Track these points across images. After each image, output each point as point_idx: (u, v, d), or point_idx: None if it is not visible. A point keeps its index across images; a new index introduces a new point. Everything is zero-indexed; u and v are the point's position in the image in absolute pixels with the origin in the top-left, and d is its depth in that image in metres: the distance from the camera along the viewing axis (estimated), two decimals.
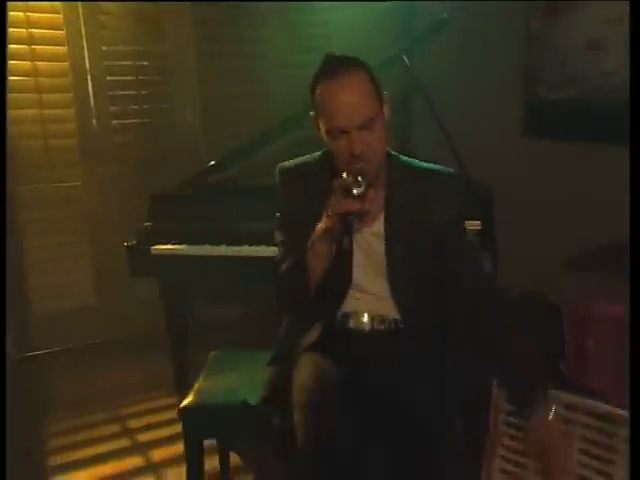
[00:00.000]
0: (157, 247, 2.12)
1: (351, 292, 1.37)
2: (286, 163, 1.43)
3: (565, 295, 1.96)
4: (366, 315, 1.37)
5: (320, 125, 1.26)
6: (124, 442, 2.15)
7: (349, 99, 1.20)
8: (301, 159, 1.42)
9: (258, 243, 2.09)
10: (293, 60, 3.05)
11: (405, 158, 1.39)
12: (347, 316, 1.38)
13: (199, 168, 2.41)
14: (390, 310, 1.36)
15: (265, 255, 2.05)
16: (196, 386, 1.54)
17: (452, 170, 1.41)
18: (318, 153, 1.40)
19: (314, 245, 1.24)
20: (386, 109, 1.27)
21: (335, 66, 1.23)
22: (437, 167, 1.39)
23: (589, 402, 1.62)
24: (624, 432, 1.55)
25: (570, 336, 1.83)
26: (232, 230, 2.15)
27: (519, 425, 1.73)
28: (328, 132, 1.23)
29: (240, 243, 2.11)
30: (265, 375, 1.42)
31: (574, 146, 2.30)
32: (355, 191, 1.17)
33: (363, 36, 2.92)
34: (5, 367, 1.58)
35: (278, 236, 1.41)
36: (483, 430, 1.74)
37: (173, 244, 2.13)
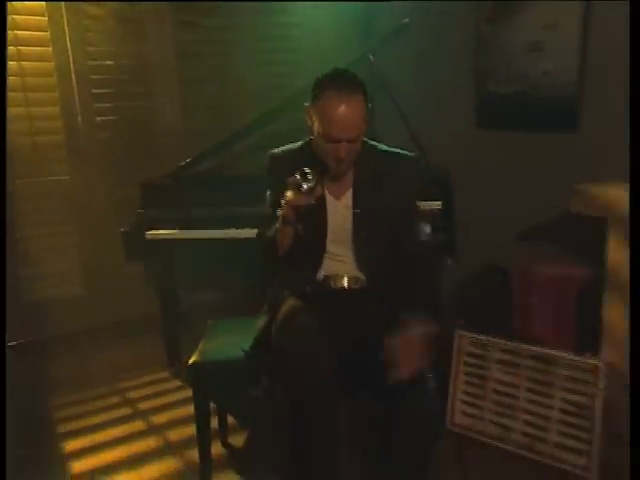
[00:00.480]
0: (151, 232, 2.32)
1: (328, 257, 1.62)
2: (275, 150, 1.67)
3: (515, 262, 2.27)
4: (345, 277, 1.63)
5: (315, 123, 1.48)
6: (125, 410, 2.34)
7: (347, 118, 1.41)
8: (288, 146, 1.66)
9: (243, 226, 2.32)
10: (267, 59, 3.27)
11: (372, 142, 1.64)
12: (329, 278, 1.63)
13: (180, 161, 2.61)
14: (360, 272, 1.62)
15: (249, 237, 2.29)
16: (199, 347, 1.77)
17: (410, 153, 1.66)
18: (301, 142, 1.64)
19: (280, 226, 1.51)
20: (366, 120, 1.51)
21: (344, 83, 1.42)
22: (398, 150, 1.64)
23: (532, 348, 1.92)
24: (560, 371, 1.86)
25: (517, 295, 2.14)
26: (218, 214, 2.37)
27: (478, 373, 2.03)
28: (322, 135, 1.46)
29: (226, 226, 2.33)
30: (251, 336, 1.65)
31: (519, 134, 2.60)
32: (305, 186, 1.42)
33: (331, 37, 3.17)
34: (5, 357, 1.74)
35: (266, 210, 1.66)
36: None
37: (165, 229, 2.34)
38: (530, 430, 1.90)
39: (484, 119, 2.81)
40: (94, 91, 2.98)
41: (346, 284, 1.63)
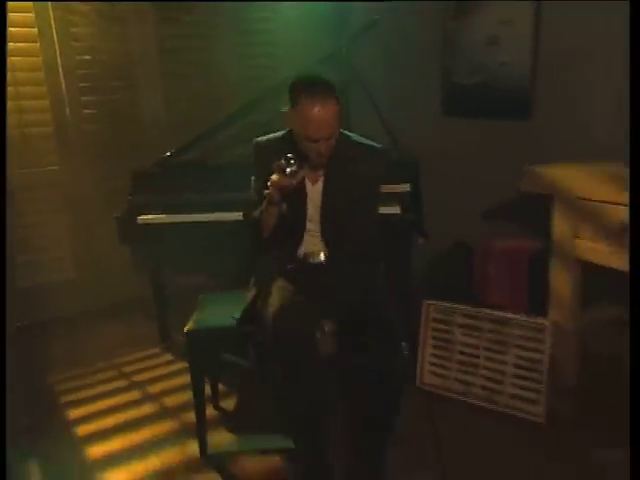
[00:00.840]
0: (142, 217, 2.49)
1: (309, 235, 1.82)
2: (260, 138, 1.85)
3: (477, 238, 2.51)
4: (322, 253, 1.84)
5: (294, 125, 1.67)
6: (121, 383, 2.52)
7: (323, 121, 1.60)
8: (271, 135, 1.85)
9: (227, 210, 2.50)
10: (246, 52, 3.43)
11: (346, 133, 1.82)
12: (309, 255, 1.84)
13: (164, 150, 2.77)
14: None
15: (234, 219, 2.48)
16: (193, 317, 1.96)
17: (379, 145, 1.85)
18: (283, 132, 1.83)
19: (265, 207, 1.70)
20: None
21: (317, 90, 1.59)
22: (367, 142, 1.83)
23: (490, 312, 2.15)
24: (514, 331, 2.10)
25: (478, 267, 2.38)
26: (204, 200, 2.55)
27: (443, 337, 2.26)
28: (302, 136, 1.65)
29: (212, 211, 2.51)
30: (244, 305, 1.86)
31: (481, 121, 2.83)
32: (288, 170, 1.61)
33: (306, 32, 3.35)
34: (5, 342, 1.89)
35: (251, 194, 1.85)
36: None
37: (155, 214, 2.51)
38: (489, 384, 2.14)
39: (449, 108, 3.04)
40: (81, 85, 3.12)
41: (323, 259, 1.83)
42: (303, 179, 1.71)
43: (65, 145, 3.13)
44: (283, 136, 1.82)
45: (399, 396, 1.71)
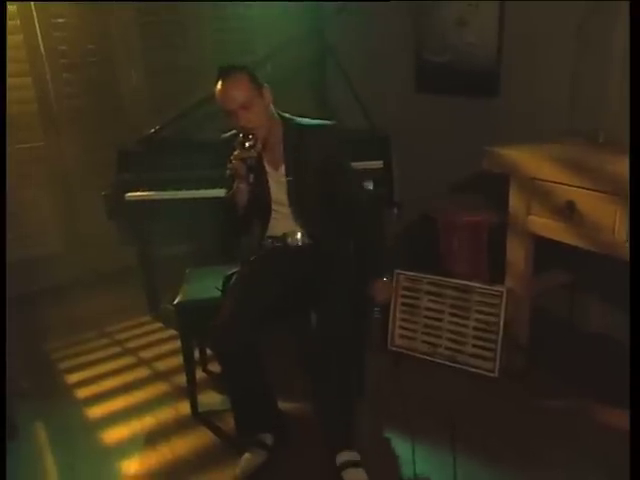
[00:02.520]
0: (129, 194, 2.62)
1: (278, 217, 1.97)
2: (225, 134, 1.98)
3: (442, 212, 2.69)
4: (299, 234, 2.00)
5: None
6: (115, 349, 2.71)
7: (226, 91, 1.75)
8: (233, 131, 1.94)
9: (213, 186, 2.64)
10: (220, 26, 3.49)
11: (297, 119, 1.94)
12: (286, 235, 2.00)
13: (146, 124, 2.86)
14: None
15: (218, 196, 2.61)
16: (182, 290, 2.13)
17: (328, 122, 1.95)
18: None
19: (235, 184, 1.85)
20: (267, 97, 1.81)
21: (222, 70, 1.78)
22: (318, 122, 1.94)
23: (453, 280, 2.36)
24: (474, 297, 2.32)
25: (443, 239, 2.58)
26: (190, 176, 2.68)
27: (411, 303, 2.47)
28: (223, 111, 1.79)
29: (198, 187, 2.65)
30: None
31: (451, 99, 2.97)
32: (247, 144, 1.76)
33: (280, 8, 3.41)
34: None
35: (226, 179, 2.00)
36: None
37: (142, 191, 2.64)
38: (451, 345, 2.37)
39: (420, 85, 3.17)
40: (62, 61, 3.17)
41: (299, 238, 2.00)
42: (261, 157, 1.85)
43: (49, 121, 3.20)
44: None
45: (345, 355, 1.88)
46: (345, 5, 2.83)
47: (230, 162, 1.81)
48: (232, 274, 2.00)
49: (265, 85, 1.84)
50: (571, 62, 2.42)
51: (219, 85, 1.77)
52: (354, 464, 1.80)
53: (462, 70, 2.91)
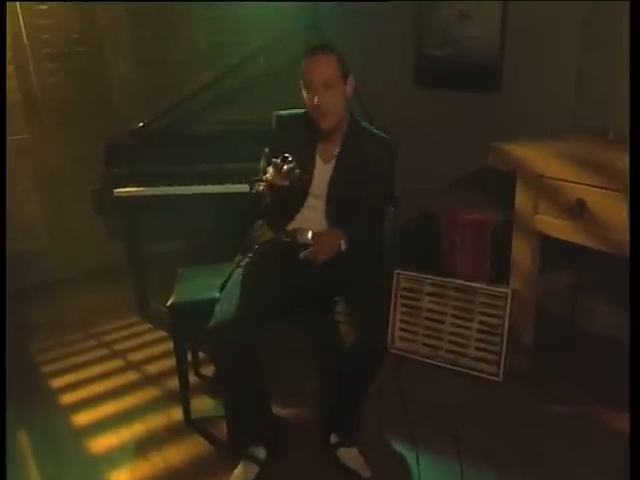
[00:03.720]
0: (118, 190, 2.51)
1: (307, 211, 1.88)
2: (281, 112, 1.92)
3: (444, 209, 2.62)
4: (310, 232, 1.89)
5: (302, 86, 1.77)
6: (103, 351, 2.59)
7: (318, 64, 1.72)
8: (293, 111, 1.91)
9: (205, 182, 2.54)
10: (212, 16, 3.37)
11: (363, 124, 1.91)
12: (296, 231, 1.90)
13: (134, 115, 2.75)
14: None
15: (211, 192, 2.52)
16: (175, 291, 2.03)
17: (390, 138, 1.93)
18: (303, 110, 1.86)
19: (256, 196, 1.78)
20: (349, 87, 1.78)
21: (316, 47, 1.77)
22: (380, 134, 1.92)
23: (455, 281, 2.29)
24: (478, 299, 2.25)
25: (445, 237, 2.50)
26: (181, 171, 2.58)
27: (412, 304, 2.40)
28: (303, 85, 1.76)
29: (190, 183, 2.55)
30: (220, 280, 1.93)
31: (452, 93, 2.90)
32: (285, 168, 1.66)
33: (275, 6, 3.30)
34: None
35: (262, 161, 1.91)
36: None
37: (132, 186, 2.53)
38: (453, 348, 2.30)
39: (421, 79, 3.09)
40: (46, 50, 3.03)
41: (310, 237, 1.90)
42: (302, 180, 1.76)
43: (33, 113, 3.07)
44: (303, 114, 1.86)
45: (381, 364, 1.82)
46: (341, 4, 2.73)
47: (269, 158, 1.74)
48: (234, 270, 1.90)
49: (351, 75, 1.78)
50: (577, 56, 2.36)
51: (310, 56, 1.74)
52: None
53: (463, 64, 2.84)
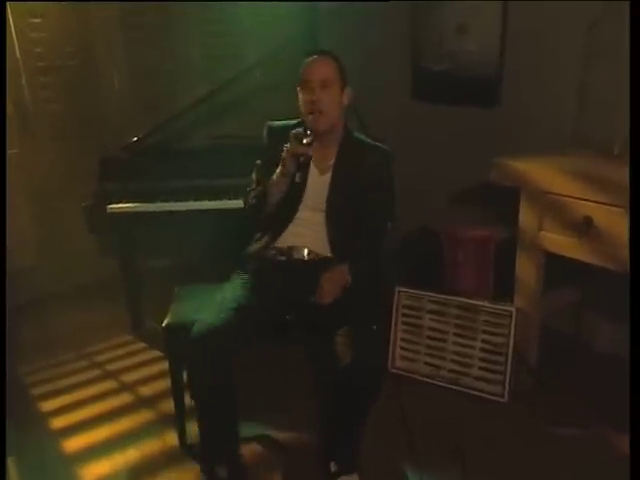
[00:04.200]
0: (112, 206, 2.45)
1: (299, 228, 1.83)
2: (273, 122, 1.91)
3: (445, 225, 2.58)
4: (306, 250, 1.85)
5: (298, 90, 1.77)
6: (95, 372, 2.51)
7: (316, 64, 1.75)
8: (283, 122, 1.89)
9: (200, 198, 2.49)
10: (207, 30, 3.33)
11: (356, 134, 1.90)
12: (292, 249, 1.85)
13: (127, 130, 2.70)
14: (323, 247, 1.84)
15: (207, 208, 2.47)
16: (171, 311, 1.96)
17: (386, 148, 1.91)
18: (295, 121, 1.85)
19: (277, 176, 1.75)
20: (346, 97, 1.79)
21: (314, 52, 1.80)
22: (375, 143, 1.90)
23: (458, 299, 2.25)
24: (481, 317, 2.21)
25: (446, 254, 2.46)
26: (176, 187, 2.52)
27: (413, 322, 2.35)
28: (300, 87, 1.75)
29: (185, 199, 2.49)
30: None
31: (450, 108, 2.87)
32: (305, 140, 1.68)
33: (270, 10, 3.27)
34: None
35: (255, 173, 1.89)
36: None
37: (126, 202, 2.47)
38: (456, 367, 2.25)
39: (418, 93, 3.06)
40: (39, 64, 2.99)
41: (306, 254, 1.85)
42: (310, 160, 1.77)
43: (26, 127, 3.02)
44: (294, 124, 1.85)
45: (379, 384, 1.77)
46: (339, 16, 2.71)
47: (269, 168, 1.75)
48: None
49: (348, 87, 1.81)
50: (579, 68, 2.33)
51: (309, 58, 1.77)
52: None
53: (462, 78, 2.81)
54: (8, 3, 2.84)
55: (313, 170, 1.83)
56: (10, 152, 2.98)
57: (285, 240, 1.86)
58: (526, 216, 2.04)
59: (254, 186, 1.88)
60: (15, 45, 2.91)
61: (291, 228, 1.85)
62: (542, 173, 1.95)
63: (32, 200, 3.12)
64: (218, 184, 2.48)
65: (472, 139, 2.79)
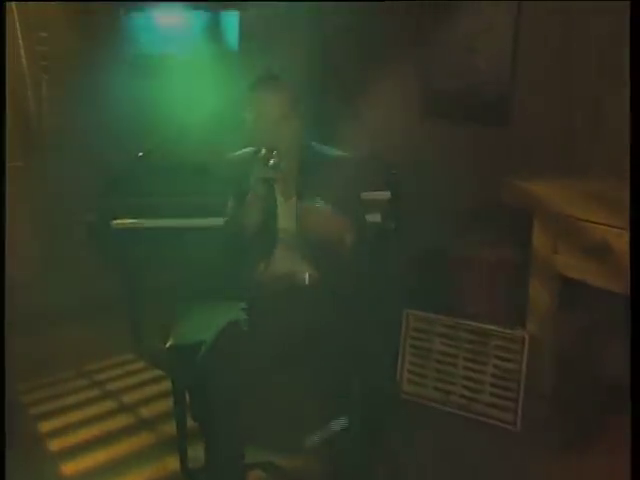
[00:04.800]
0: (116, 221, 2.41)
1: (281, 250, 1.78)
2: (230, 155, 1.83)
3: (455, 246, 2.54)
4: (307, 274, 1.79)
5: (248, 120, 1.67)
6: (94, 392, 2.45)
7: (267, 99, 1.63)
8: (243, 152, 1.82)
9: (207, 215, 2.44)
10: None
11: (315, 146, 1.78)
12: (291, 274, 1.79)
13: (133, 144, 2.68)
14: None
15: (213, 225, 2.43)
16: (174, 330, 1.91)
17: (348, 155, 1.80)
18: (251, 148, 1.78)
19: (249, 203, 1.68)
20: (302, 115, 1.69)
21: (261, 78, 1.68)
22: (338, 153, 1.79)
23: (469, 323, 2.20)
24: (493, 342, 2.15)
25: (456, 275, 2.42)
26: (183, 203, 2.48)
27: (423, 346, 2.29)
28: (250, 121, 1.65)
29: (192, 215, 2.45)
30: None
31: (460, 128, 2.85)
32: (271, 162, 1.59)
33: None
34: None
35: (229, 203, 1.84)
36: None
37: (130, 218, 2.43)
38: (466, 393, 2.19)
39: (427, 112, 3.04)
40: (47, 77, 2.97)
41: (307, 280, 1.79)
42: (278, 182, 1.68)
43: (29, 139, 2.99)
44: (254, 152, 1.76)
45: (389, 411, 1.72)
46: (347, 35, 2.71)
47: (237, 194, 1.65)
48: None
49: (301, 105, 1.70)
50: (592, 88, 2.31)
51: (255, 90, 1.64)
52: None
53: (471, 98, 2.79)
54: (15, 10, 2.83)
55: (279, 196, 1.76)
56: (13, 165, 2.96)
57: (277, 266, 1.79)
58: (540, 239, 2.00)
59: (229, 216, 1.80)
60: (23, 59, 2.89)
61: (278, 252, 1.79)
62: (557, 195, 1.92)
63: (35, 214, 3.08)
64: (225, 201, 2.44)
65: (482, 159, 2.75)
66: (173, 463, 1.97)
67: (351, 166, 1.81)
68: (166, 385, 1.99)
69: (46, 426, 2.22)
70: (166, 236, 2.48)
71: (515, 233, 2.19)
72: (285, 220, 1.77)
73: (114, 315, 2.87)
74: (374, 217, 2.41)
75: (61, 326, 2.95)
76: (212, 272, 2.55)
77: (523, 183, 2.03)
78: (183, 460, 1.95)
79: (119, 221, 2.41)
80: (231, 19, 3.35)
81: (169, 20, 3.27)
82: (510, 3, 2.56)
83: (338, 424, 1.71)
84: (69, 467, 1.99)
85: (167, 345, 1.84)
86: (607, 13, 2.19)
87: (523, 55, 2.57)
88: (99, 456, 2.04)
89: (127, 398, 2.40)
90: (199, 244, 2.53)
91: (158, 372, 2.54)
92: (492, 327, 2.16)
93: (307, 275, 1.79)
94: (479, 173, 2.73)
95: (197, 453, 1.99)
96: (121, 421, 2.24)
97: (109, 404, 2.36)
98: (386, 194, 2.50)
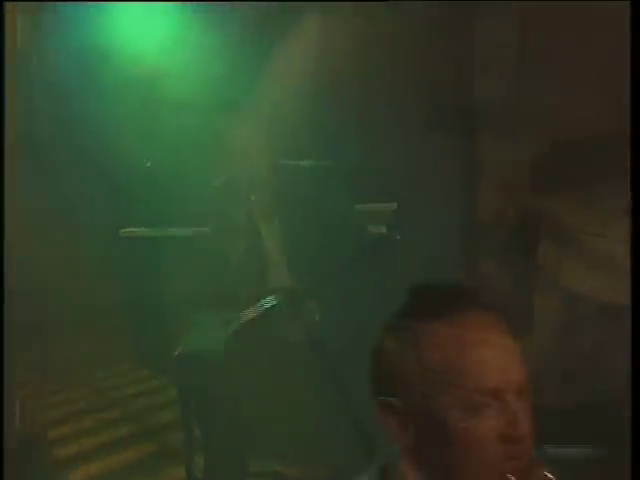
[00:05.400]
0: (125, 230, 2.42)
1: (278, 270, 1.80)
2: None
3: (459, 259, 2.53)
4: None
5: None
6: (99, 400, 2.44)
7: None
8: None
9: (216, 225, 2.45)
10: None
11: (292, 165, 1.83)
12: (291, 291, 1.81)
13: (135, 156, 2.69)
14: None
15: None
16: (182, 339, 1.91)
17: (323, 164, 1.83)
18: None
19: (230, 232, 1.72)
20: None
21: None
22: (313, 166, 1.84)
23: None
24: None
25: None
26: (190, 213, 2.49)
27: None
28: None
29: (198, 225, 2.45)
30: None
31: (467, 144, 2.85)
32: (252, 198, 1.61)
33: None
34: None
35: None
36: None
37: (138, 227, 2.44)
38: None
39: (435, 129, 3.05)
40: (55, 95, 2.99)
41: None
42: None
43: (36, 155, 3.01)
44: None
45: None
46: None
47: None
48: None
49: None
50: (597, 97, 2.32)
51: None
52: None
53: (477, 114, 2.81)
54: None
55: (261, 222, 1.83)
56: (19, 175, 2.97)
57: (274, 280, 1.82)
58: (546, 252, 2.01)
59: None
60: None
61: (271, 272, 1.81)
62: (564, 208, 1.93)
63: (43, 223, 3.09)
64: (233, 211, 2.46)
65: (489, 173, 2.76)
66: (179, 473, 1.95)
67: (328, 178, 1.83)
68: (171, 393, 1.98)
69: (50, 434, 2.21)
70: (176, 245, 2.49)
71: (521, 246, 2.20)
72: (270, 240, 1.79)
73: (119, 324, 2.86)
74: (379, 228, 2.42)
75: (65, 334, 2.94)
76: (217, 281, 2.56)
77: (529, 196, 2.05)
78: (189, 470, 1.94)
79: (127, 229, 2.42)
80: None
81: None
82: (515, 18, 2.59)
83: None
84: (73, 476, 1.98)
85: (175, 354, 1.84)
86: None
87: (528, 69, 2.59)
88: (102, 464, 2.03)
89: (132, 406, 2.39)
90: (207, 252, 2.55)
91: (162, 381, 2.53)
92: None
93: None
94: (485, 187, 2.73)
95: (202, 462, 1.99)
96: (125, 430, 2.24)
97: (113, 412, 2.36)
98: (394, 205, 2.51)
